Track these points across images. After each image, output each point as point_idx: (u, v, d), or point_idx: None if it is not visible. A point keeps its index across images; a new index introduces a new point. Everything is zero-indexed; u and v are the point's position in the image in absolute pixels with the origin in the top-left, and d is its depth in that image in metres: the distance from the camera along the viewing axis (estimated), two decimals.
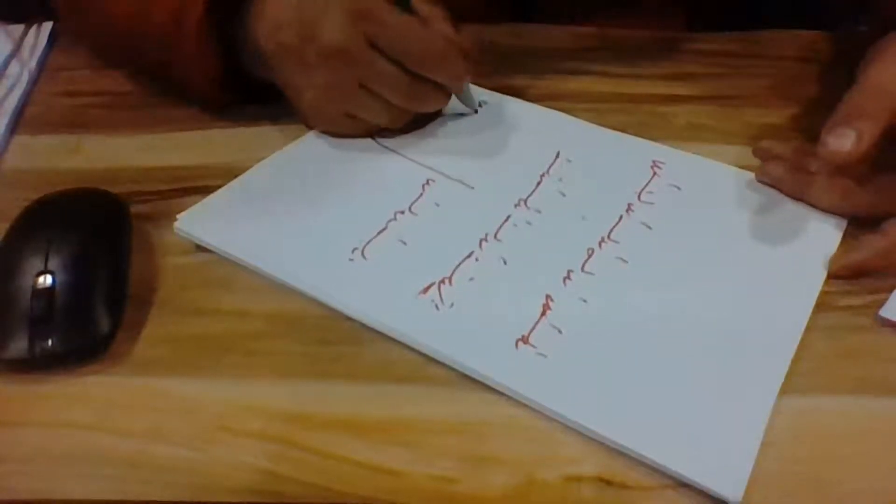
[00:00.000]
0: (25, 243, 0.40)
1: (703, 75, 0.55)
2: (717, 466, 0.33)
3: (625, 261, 0.42)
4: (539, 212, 0.44)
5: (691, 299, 0.40)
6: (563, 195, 0.46)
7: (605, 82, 0.54)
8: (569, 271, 0.41)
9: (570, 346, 0.37)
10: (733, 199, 0.45)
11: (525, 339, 0.38)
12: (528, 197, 0.45)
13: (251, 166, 0.47)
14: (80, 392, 0.37)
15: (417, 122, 0.50)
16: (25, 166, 0.49)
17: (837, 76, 0.44)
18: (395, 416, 0.36)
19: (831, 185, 0.43)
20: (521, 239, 0.43)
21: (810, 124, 0.48)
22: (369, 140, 0.49)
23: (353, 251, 0.42)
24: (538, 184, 0.46)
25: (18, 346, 0.37)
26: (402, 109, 0.47)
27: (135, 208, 0.44)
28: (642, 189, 0.46)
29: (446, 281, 0.40)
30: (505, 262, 0.42)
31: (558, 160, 0.48)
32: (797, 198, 0.45)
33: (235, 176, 0.47)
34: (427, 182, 0.46)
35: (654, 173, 0.47)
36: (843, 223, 0.43)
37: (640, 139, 0.49)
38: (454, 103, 0.50)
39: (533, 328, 0.38)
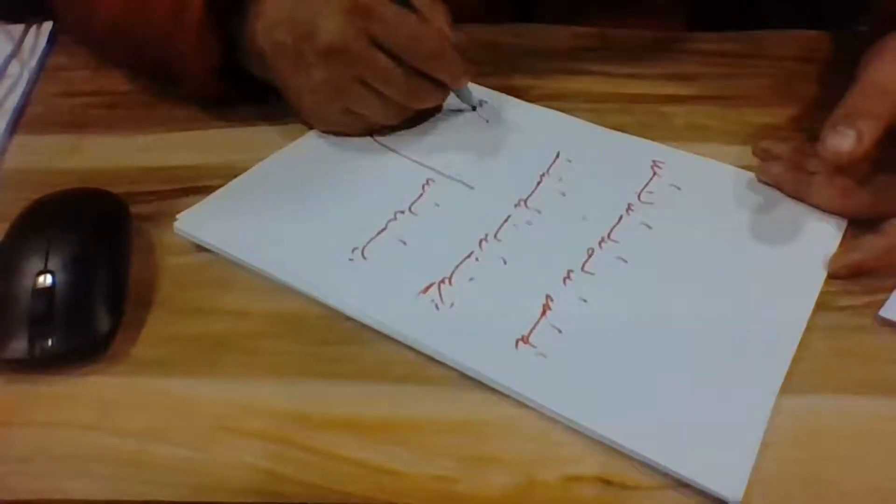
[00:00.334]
0: (25, 243, 0.40)
1: (703, 75, 0.55)
2: (717, 466, 0.33)
3: (625, 261, 0.42)
4: (539, 212, 0.44)
5: (691, 299, 0.40)
6: (563, 195, 0.46)
7: (605, 82, 0.54)
8: (569, 271, 0.41)
9: (570, 346, 0.37)
10: (733, 199, 0.45)
11: (525, 339, 0.38)
12: (528, 197, 0.45)
13: (251, 166, 0.47)
14: (80, 392, 0.37)
15: (416, 119, 0.50)
16: (25, 166, 0.49)
17: (837, 76, 0.44)
18: (395, 416, 0.36)
19: (831, 184, 0.43)
20: (521, 239, 0.43)
21: (810, 124, 0.48)
22: (369, 140, 0.49)
23: (353, 251, 0.42)
24: (538, 184, 0.46)
25: (18, 346, 0.37)
26: (401, 106, 0.47)
27: (135, 208, 0.44)
28: (642, 189, 0.46)
29: (446, 281, 0.40)
30: (505, 262, 0.42)
31: (558, 160, 0.48)
32: (797, 198, 0.45)
33: (235, 176, 0.47)
34: (427, 182, 0.46)
35: (654, 173, 0.47)
36: (843, 223, 0.43)
37: (640, 139, 0.49)
38: (452, 99, 0.50)
39: (533, 328, 0.38)
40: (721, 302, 0.39)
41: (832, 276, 0.41)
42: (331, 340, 0.39)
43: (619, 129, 0.50)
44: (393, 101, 0.46)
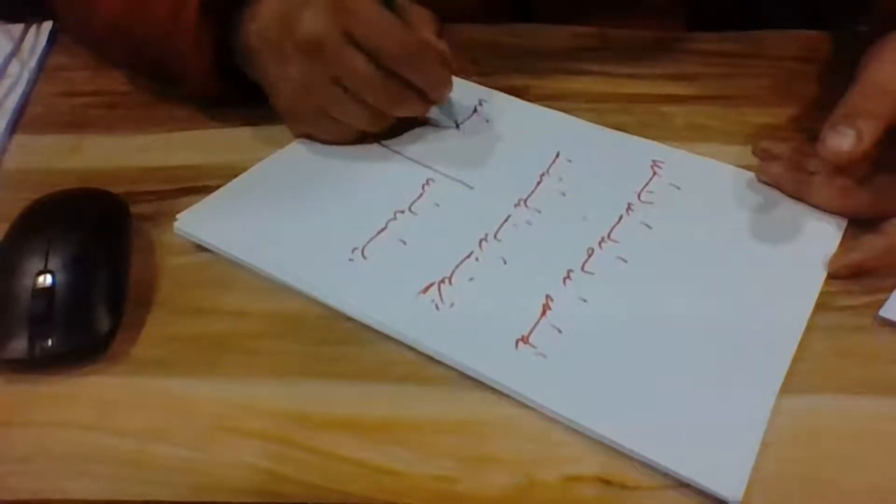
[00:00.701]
0: (25, 243, 0.40)
1: (703, 75, 0.55)
2: (717, 466, 0.33)
3: (625, 260, 0.42)
4: (539, 212, 0.44)
5: (691, 299, 0.40)
6: (563, 195, 0.46)
7: (605, 82, 0.54)
8: (569, 271, 0.41)
9: (570, 345, 0.37)
10: (733, 199, 0.45)
11: (525, 339, 0.38)
12: (528, 197, 0.45)
13: (251, 166, 0.47)
14: (80, 392, 0.37)
15: (413, 122, 0.49)
16: (25, 166, 0.49)
17: (837, 76, 0.44)
18: (395, 416, 0.36)
19: (831, 184, 0.43)
20: (521, 239, 0.43)
21: (810, 124, 0.48)
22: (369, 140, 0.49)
23: (353, 251, 0.42)
24: (538, 184, 0.46)
25: (18, 346, 0.37)
26: (379, 112, 0.46)
27: (135, 208, 0.44)
28: (642, 189, 0.46)
29: (446, 281, 0.40)
30: (505, 262, 0.42)
31: (558, 160, 0.48)
32: (797, 197, 0.45)
33: (235, 176, 0.47)
34: (427, 182, 0.46)
35: (654, 173, 0.47)
36: (843, 223, 0.43)
37: (640, 139, 0.49)
38: (436, 114, 0.49)
39: (533, 328, 0.38)
40: (721, 302, 0.39)
41: (832, 276, 0.41)
42: (331, 340, 0.39)
43: (619, 129, 0.50)
44: (369, 105, 0.45)
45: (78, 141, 0.51)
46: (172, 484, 0.33)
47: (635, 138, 0.50)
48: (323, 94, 0.45)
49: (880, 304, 0.39)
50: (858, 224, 0.43)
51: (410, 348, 0.38)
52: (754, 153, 0.47)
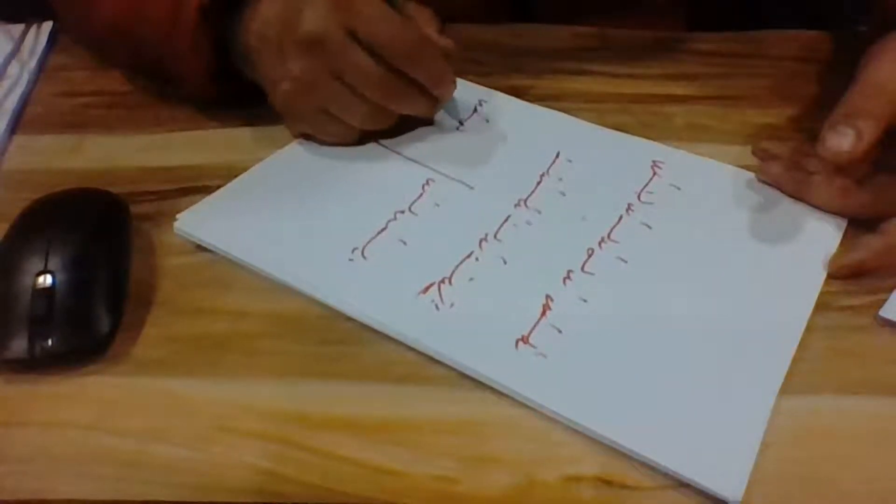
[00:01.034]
0: (25, 243, 0.40)
1: (703, 75, 0.55)
2: (717, 466, 0.33)
3: (625, 261, 0.42)
4: (539, 212, 0.44)
5: (691, 299, 0.40)
6: (563, 195, 0.46)
7: (605, 82, 0.54)
8: (569, 271, 0.41)
9: (570, 346, 0.37)
10: (733, 199, 0.45)
11: (525, 339, 0.38)
12: (528, 197, 0.45)
13: (251, 166, 0.47)
14: (80, 392, 0.37)
15: (415, 122, 0.49)
16: (25, 166, 0.49)
17: (837, 76, 0.44)
18: (395, 416, 0.36)
19: (831, 184, 0.43)
20: (521, 239, 0.43)
21: (810, 124, 0.48)
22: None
23: (353, 251, 0.42)
24: (538, 184, 0.46)
25: (18, 346, 0.37)
26: (380, 109, 0.45)
27: (135, 208, 0.44)
28: (642, 189, 0.46)
29: (446, 281, 0.40)
30: (505, 262, 0.42)
31: (558, 160, 0.48)
32: (797, 197, 0.45)
33: (235, 176, 0.47)
34: (427, 182, 0.46)
35: (654, 173, 0.47)
36: (843, 223, 0.43)
37: (640, 139, 0.49)
38: (440, 114, 0.49)
39: (533, 328, 0.38)
40: (721, 302, 0.39)
41: (832, 276, 0.41)
42: (331, 340, 0.39)
43: (619, 129, 0.50)
44: (370, 102, 0.45)
45: (78, 141, 0.51)
46: (172, 484, 0.33)
47: (635, 138, 0.50)
48: (324, 91, 0.45)
49: (880, 304, 0.39)
50: (858, 224, 0.43)
51: (410, 348, 0.38)
52: (754, 153, 0.47)
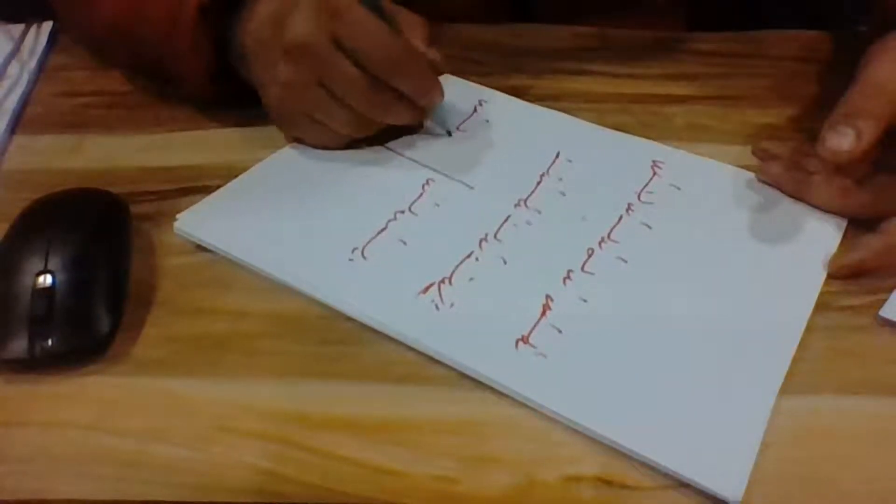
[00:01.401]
0: (25, 243, 0.40)
1: (703, 75, 0.55)
2: (717, 466, 0.33)
3: (625, 261, 0.42)
4: (539, 212, 0.44)
5: (691, 299, 0.40)
6: (563, 195, 0.46)
7: (605, 82, 0.54)
8: (569, 271, 0.41)
9: (570, 346, 0.37)
10: (733, 199, 0.45)
11: (525, 339, 0.38)
12: (528, 197, 0.45)
13: (251, 166, 0.47)
14: (80, 392, 0.37)
15: (406, 127, 0.48)
16: (25, 166, 0.49)
17: (837, 76, 0.44)
18: (395, 416, 0.36)
19: (831, 184, 0.43)
20: (521, 239, 0.43)
21: (810, 124, 0.48)
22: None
23: (353, 251, 0.42)
24: (538, 184, 0.46)
25: (18, 346, 0.37)
26: (365, 118, 0.45)
27: (135, 208, 0.44)
28: (642, 189, 0.46)
29: (446, 281, 0.40)
30: (505, 262, 0.42)
31: (558, 160, 0.48)
32: (797, 197, 0.45)
33: (235, 176, 0.47)
34: (427, 182, 0.46)
35: (654, 173, 0.47)
36: (843, 223, 0.43)
37: (640, 139, 0.49)
38: (427, 122, 0.49)
39: (533, 328, 0.38)
40: (721, 302, 0.39)
41: (832, 276, 0.41)
42: (331, 340, 0.39)
43: (619, 129, 0.50)
44: (354, 110, 0.44)
45: (78, 141, 0.51)
46: (172, 484, 0.33)
47: (635, 138, 0.50)
48: (308, 97, 0.44)
49: (880, 304, 0.39)
50: (858, 224, 0.43)
51: (410, 348, 0.38)
52: (754, 153, 0.47)
